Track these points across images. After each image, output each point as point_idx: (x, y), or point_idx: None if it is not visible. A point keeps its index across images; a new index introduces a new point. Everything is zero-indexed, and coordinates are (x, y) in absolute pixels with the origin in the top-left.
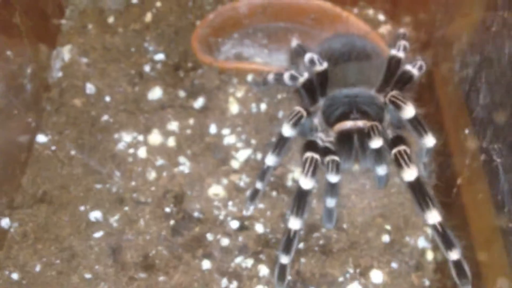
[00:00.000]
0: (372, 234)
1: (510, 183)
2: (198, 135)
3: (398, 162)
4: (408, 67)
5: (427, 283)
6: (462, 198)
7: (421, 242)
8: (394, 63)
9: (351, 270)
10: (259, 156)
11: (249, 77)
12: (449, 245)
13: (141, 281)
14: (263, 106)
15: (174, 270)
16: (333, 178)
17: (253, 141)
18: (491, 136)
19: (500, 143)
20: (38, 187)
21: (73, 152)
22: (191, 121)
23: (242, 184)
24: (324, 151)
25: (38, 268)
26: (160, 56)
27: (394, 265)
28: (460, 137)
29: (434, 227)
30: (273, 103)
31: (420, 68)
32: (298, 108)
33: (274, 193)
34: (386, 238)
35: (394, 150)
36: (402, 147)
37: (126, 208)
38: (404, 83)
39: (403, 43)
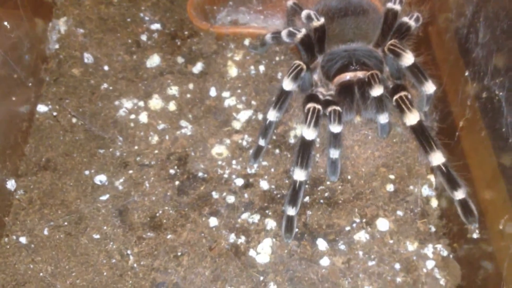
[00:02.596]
0: (377, 184)
1: None
2: (199, 98)
3: (400, 107)
4: (405, 19)
5: (433, 229)
6: (464, 140)
7: (425, 190)
8: (391, 16)
9: (357, 220)
10: (260, 116)
11: (246, 42)
12: (454, 185)
13: (150, 240)
14: (261, 68)
15: (182, 228)
16: (335, 128)
17: (253, 102)
18: (492, 71)
19: (502, 76)
20: (41, 155)
21: (74, 120)
22: (190, 86)
23: (244, 143)
24: (326, 103)
25: (46, 231)
26: (156, 26)
27: (399, 213)
28: (460, 82)
29: (438, 168)
30: (271, 65)
31: (417, 19)
32: (297, 61)
33: (277, 151)
34: (390, 187)
35: (396, 96)
36: (403, 93)
37: (131, 171)
38: (401, 35)
39: None
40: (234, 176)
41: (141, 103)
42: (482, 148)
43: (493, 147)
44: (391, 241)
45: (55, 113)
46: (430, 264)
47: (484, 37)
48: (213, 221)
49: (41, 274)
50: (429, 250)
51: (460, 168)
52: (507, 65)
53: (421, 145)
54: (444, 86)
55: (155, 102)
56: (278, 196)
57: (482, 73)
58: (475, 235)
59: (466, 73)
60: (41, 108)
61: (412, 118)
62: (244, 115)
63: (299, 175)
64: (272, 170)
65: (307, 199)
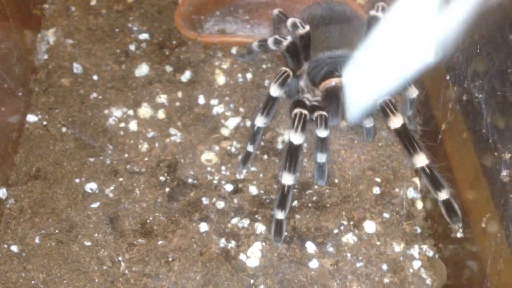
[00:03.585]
0: (363, 187)
1: (492, 115)
2: (187, 106)
3: (385, 111)
4: None
5: (418, 230)
6: (447, 142)
7: (410, 193)
8: (373, 23)
9: (345, 222)
10: (248, 123)
11: (234, 50)
12: (437, 186)
13: (141, 246)
14: (249, 76)
15: (173, 234)
16: (322, 132)
17: (241, 109)
18: (472, 75)
19: (481, 79)
20: (31, 165)
21: (64, 129)
22: (179, 94)
23: (233, 150)
24: (312, 108)
25: (37, 239)
26: (144, 36)
27: (386, 215)
28: (441, 86)
29: (422, 169)
30: (258, 73)
31: None
32: (284, 68)
33: (265, 157)
34: (376, 190)
35: (380, 101)
36: (387, 98)
37: (121, 179)
38: None
39: (381, 4)
40: (223, 182)
41: (131, 112)
42: (464, 150)
43: (474, 148)
44: (378, 243)
45: (45, 123)
46: (416, 264)
47: (464, 43)
48: (203, 227)
49: (32, 282)
50: (415, 250)
51: (443, 170)
52: (486, 68)
53: (405, 148)
54: (427, 90)
55: (144, 111)
56: (267, 200)
57: (462, 77)
58: (459, 235)
59: (447, 77)
60: (31, 118)
61: (396, 121)
62: (232, 122)
63: (287, 179)
64: (261, 175)
65: (295, 203)
